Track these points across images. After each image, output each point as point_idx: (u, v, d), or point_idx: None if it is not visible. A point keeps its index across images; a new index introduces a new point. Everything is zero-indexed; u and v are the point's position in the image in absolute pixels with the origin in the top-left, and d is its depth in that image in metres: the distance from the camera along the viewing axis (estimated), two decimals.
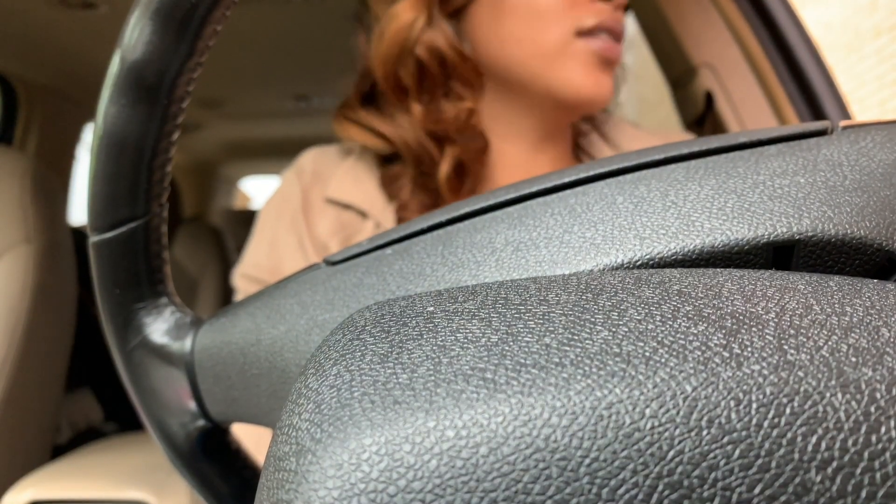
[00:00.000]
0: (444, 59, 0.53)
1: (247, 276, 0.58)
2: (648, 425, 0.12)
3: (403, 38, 0.53)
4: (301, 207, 0.58)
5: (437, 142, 0.56)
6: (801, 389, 0.12)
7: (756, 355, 0.13)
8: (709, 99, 0.87)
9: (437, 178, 0.56)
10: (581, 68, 0.53)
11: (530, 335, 0.14)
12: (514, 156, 0.59)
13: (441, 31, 0.53)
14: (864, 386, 0.12)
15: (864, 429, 0.12)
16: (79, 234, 1.24)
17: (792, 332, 0.13)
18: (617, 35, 0.55)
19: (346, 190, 0.58)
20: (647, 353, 0.13)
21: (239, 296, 0.59)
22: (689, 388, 0.12)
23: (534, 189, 0.22)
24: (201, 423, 0.26)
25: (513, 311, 0.15)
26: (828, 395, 0.12)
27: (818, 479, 0.12)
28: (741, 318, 0.14)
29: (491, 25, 0.54)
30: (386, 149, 0.57)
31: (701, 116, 0.89)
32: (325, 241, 0.57)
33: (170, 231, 1.90)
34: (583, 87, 0.53)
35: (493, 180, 0.59)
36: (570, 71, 0.53)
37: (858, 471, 0.12)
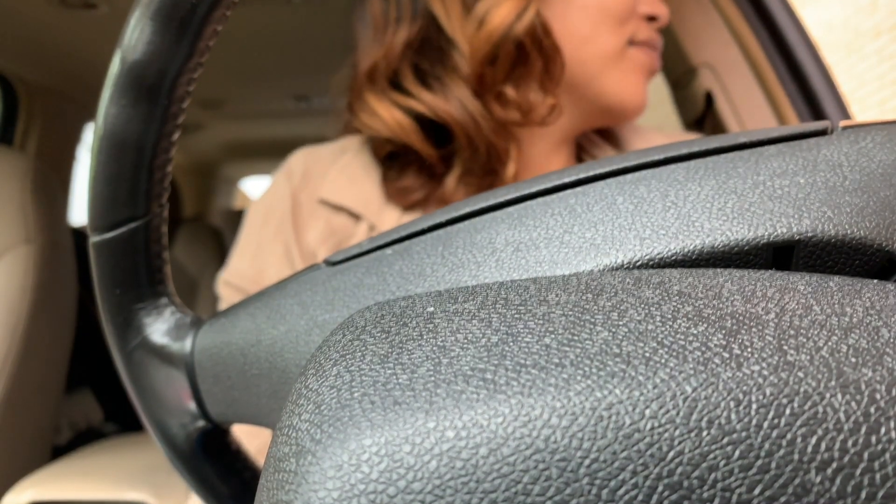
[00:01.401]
0: (542, 46, 0.52)
1: (229, 283, 0.56)
2: (648, 426, 0.12)
3: (510, 24, 0.50)
4: (290, 212, 0.56)
5: (505, 139, 0.54)
6: (801, 390, 0.12)
7: (756, 356, 0.13)
8: (709, 99, 0.87)
9: (498, 175, 0.54)
10: (633, 76, 0.56)
11: (530, 336, 0.14)
12: (533, 156, 0.59)
13: (539, 18, 0.52)
14: (863, 387, 0.12)
15: (863, 429, 0.12)
16: (79, 235, 1.24)
17: (792, 332, 0.13)
18: (658, 49, 0.59)
19: (339, 190, 0.56)
20: (647, 354, 0.13)
21: (222, 304, 0.56)
22: (688, 389, 0.12)
23: (534, 189, 0.22)
24: (201, 423, 0.26)
25: (513, 312, 0.15)
26: (828, 395, 0.12)
27: (818, 479, 0.12)
28: (741, 318, 0.14)
29: (558, 21, 0.54)
30: (417, 141, 0.53)
31: (701, 117, 0.89)
32: (314, 249, 0.55)
33: (170, 231, 1.90)
34: (634, 94, 0.56)
35: (512, 180, 0.58)
36: (625, 77, 0.55)
37: (858, 472, 0.12)
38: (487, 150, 0.53)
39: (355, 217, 0.55)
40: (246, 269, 0.56)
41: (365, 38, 0.56)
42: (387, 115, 0.53)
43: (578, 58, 0.54)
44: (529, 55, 0.52)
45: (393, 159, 0.56)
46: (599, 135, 0.65)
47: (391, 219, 0.55)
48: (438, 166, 0.55)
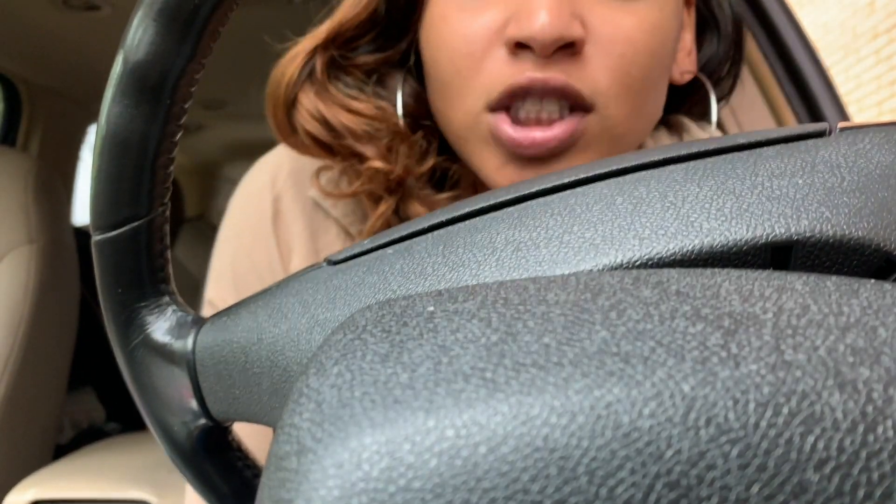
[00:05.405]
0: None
1: (215, 307, 0.51)
2: (646, 425, 0.12)
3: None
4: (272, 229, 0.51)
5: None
6: (799, 389, 0.12)
7: (754, 355, 0.13)
8: None
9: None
10: (494, 159, 0.39)
11: (529, 335, 0.14)
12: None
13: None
14: (861, 386, 0.12)
15: (861, 428, 0.12)
16: (82, 234, 1.24)
17: (789, 331, 0.14)
18: (554, 92, 0.35)
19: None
20: (646, 353, 0.13)
21: None
22: (686, 388, 0.13)
23: (534, 189, 0.22)
24: (203, 421, 0.26)
25: (512, 311, 0.15)
26: (825, 394, 0.12)
27: (815, 478, 0.12)
28: (739, 317, 0.14)
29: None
30: None
31: None
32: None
33: (172, 231, 1.90)
34: (497, 183, 0.39)
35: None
36: (486, 159, 0.39)
37: (856, 470, 0.12)
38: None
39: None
40: (230, 298, 0.53)
41: None
42: None
43: (444, 131, 0.43)
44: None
45: None
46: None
47: None
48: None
